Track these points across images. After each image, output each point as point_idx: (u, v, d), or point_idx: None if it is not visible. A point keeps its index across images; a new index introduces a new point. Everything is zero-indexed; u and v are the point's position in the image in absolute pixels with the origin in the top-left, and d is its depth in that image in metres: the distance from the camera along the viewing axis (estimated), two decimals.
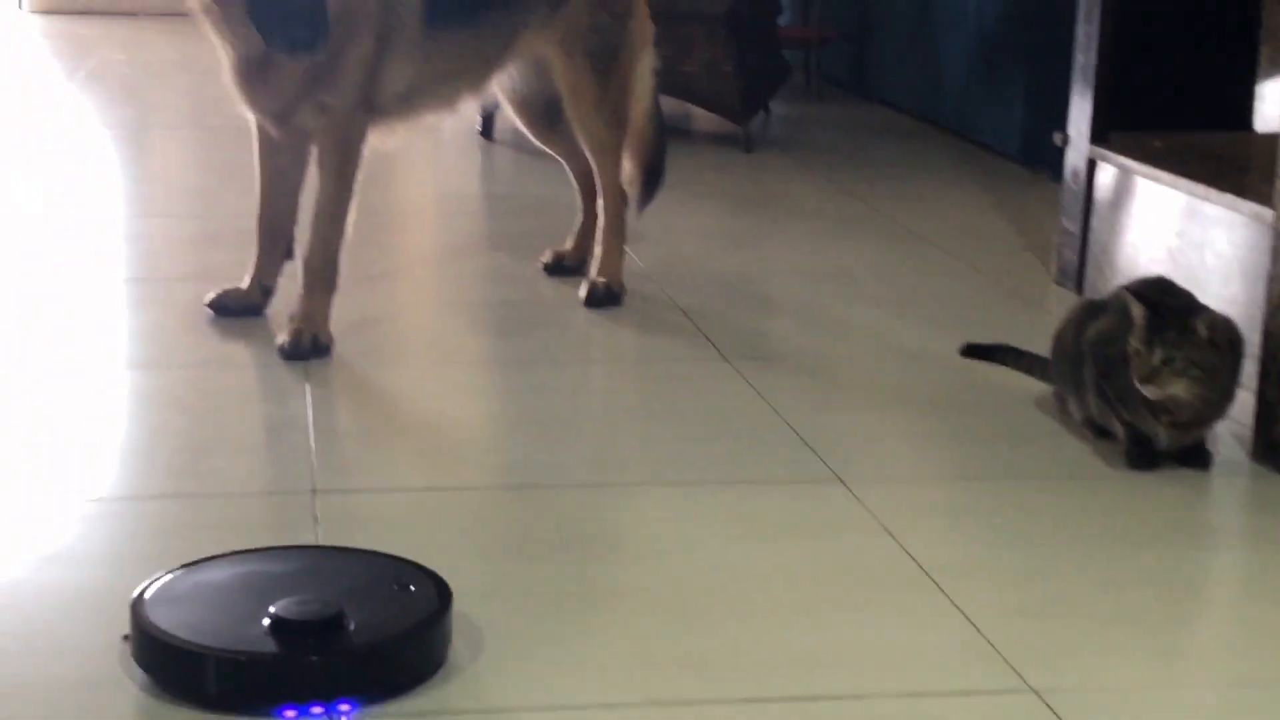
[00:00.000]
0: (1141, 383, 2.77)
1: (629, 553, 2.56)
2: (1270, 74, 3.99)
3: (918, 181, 5.45)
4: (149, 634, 1.99)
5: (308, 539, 2.49)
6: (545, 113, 3.97)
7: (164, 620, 2.01)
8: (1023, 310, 3.94)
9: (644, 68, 3.90)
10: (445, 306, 4.02)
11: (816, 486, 2.79)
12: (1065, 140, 4.08)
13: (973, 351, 3.43)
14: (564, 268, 4.05)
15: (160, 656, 1.98)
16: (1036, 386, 3.25)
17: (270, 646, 1.98)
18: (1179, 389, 2.76)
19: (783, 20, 6.78)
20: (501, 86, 3.90)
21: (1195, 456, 2.88)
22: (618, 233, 3.89)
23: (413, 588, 2.13)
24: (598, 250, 3.89)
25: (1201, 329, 2.75)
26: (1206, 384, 2.77)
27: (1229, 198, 3.38)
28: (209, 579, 2.16)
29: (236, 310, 3.59)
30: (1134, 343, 2.78)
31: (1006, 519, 2.69)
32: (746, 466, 2.88)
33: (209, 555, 2.24)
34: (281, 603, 2.02)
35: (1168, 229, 3.64)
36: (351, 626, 2.01)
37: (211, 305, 3.60)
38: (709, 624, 2.28)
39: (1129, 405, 2.84)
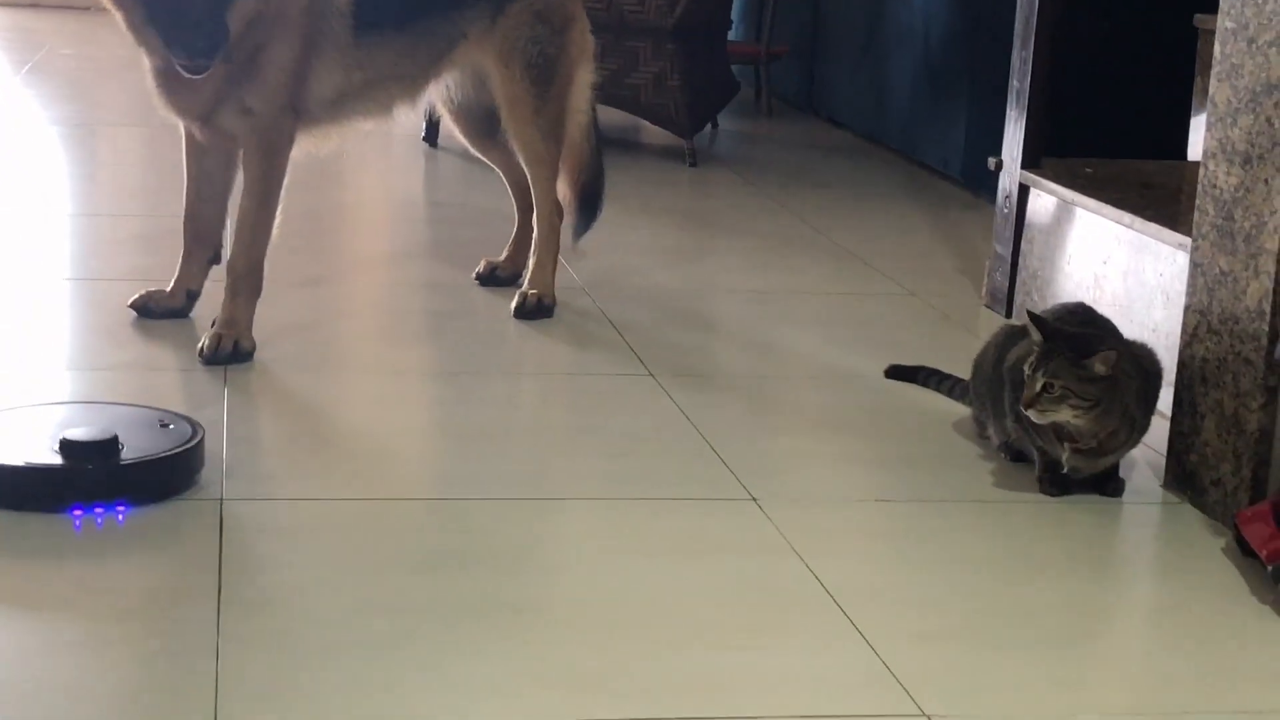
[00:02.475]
0: (1024, 407, 2.78)
1: (536, 568, 2.55)
2: (1204, 104, 4.01)
3: (860, 201, 5.46)
4: None
5: (209, 548, 2.47)
6: (483, 123, 3.96)
7: None
8: (951, 333, 3.95)
9: (582, 81, 3.89)
10: (375, 314, 4.01)
11: (730, 505, 2.78)
12: (999, 164, 4.09)
13: (896, 373, 3.44)
14: (497, 278, 4.04)
15: None
16: (957, 409, 3.26)
17: (58, 462, 2.57)
18: (1063, 416, 2.77)
19: (733, 35, 6.79)
20: (439, 96, 3.89)
21: (1107, 483, 2.89)
22: (551, 246, 3.88)
23: (171, 426, 2.74)
24: (530, 262, 3.88)
25: (1099, 364, 2.75)
26: (1096, 413, 2.77)
27: (1154, 226, 3.40)
28: (13, 420, 2.78)
29: (159, 313, 3.57)
30: (1025, 368, 2.80)
31: (916, 542, 2.69)
32: (662, 484, 2.87)
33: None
34: (68, 431, 2.62)
35: (1095, 255, 3.66)
36: (123, 449, 2.61)
37: (135, 307, 3.58)
38: (610, 641, 2.27)
39: (1040, 430, 2.85)
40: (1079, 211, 3.74)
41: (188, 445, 2.69)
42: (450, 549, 2.57)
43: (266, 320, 3.43)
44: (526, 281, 3.87)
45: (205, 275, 3.61)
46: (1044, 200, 3.91)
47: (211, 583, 2.35)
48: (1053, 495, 2.87)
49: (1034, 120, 3.97)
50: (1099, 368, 2.75)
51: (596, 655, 2.23)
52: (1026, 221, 3.98)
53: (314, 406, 3.25)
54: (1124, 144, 4.15)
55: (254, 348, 3.35)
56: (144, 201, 4.86)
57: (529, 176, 3.86)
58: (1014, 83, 4.02)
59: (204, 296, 3.61)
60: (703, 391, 3.39)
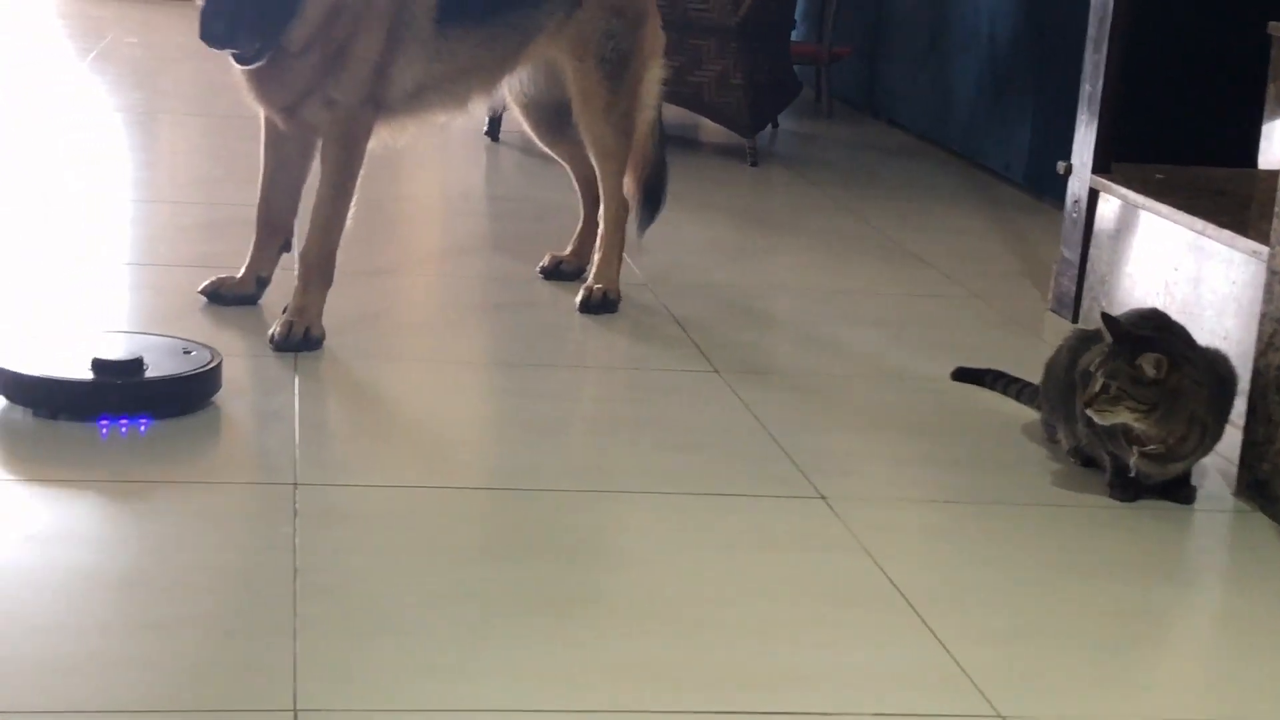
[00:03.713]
0: (1084, 405, 2.78)
1: (604, 560, 2.56)
2: (1277, 112, 3.98)
3: (921, 203, 5.45)
4: (11, 374, 2.90)
5: (285, 531, 2.49)
6: (553, 117, 3.97)
7: (19, 367, 2.92)
8: (1016, 336, 3.94)
9: (653, 77, 3.90)
10: (440, 305, 4.02)
11: (798, 503, 2.78)
12: (1068, 169, 4.08)
13: (963, 375, 3.43)
14: (561, 272, 4.05)
15: (17, 386, 2.90)
16: (1025, 413, 3.25)
17: (90, 377, 2.90)
18: (1122, 417, 2.77)
19: (795, 35, 6.79)
20: (510, 89, 3.90)
21: (1178, 490, 2.88)
22: (617, 240, 3.89)
23: (193, 353, 3.06)
24: (596, 257, 3.89)
25: (1146, 365, 2.75)
26: (1155, 417, 2.76)
27: (1227, 234, 3.38)
28: (54, 344, 3.12)
29: (230, 299, 3.59)
30: (1092, 368, 2.80)
31: (985, 544, 2.69)
32: (729, 480, 2.87)
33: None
34: (99, 352, 2.95)
35: (1165, 262, 3.64)
36: (147, 369, 2.93)
37: (205, 293, 3.60)
38: (681, 635, 2.27)
39: (1110, 434, 2.84)
40: (1149, 217, 3.72)
41: (205, 368, 2.99)
42: (519, 539, 2.59)
43: (335, 309, 3.45)
44: (592, 276, 3.88)
45: (276, 263, 3.63)
46: (1113, 205, 3.90)
47: (288, 565, 2.37)
48: (1123, 501, 2.86)
49: (1105, 125, 3.96)
50: (1147, 370, 2.75)
51: (665, 649, 2.23)
52: (1095, 226, 3.96)
53: (381, 394, 3.27)
54: (1194, 150, 4.13)
55: (323, 335, 3.37)
56: (204, 190, 4.88)
57: (598, 171, 3.87)
58: (1085, 87, 4.00)
59: (273, 284, 3.63)
60: (768, 388, 3.39)
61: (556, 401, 3.28)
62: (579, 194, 4.09)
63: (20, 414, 2.91)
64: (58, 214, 4.41)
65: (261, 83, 3.34)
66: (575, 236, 4.09)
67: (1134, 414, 2.76)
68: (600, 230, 3.90)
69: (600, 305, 3.82)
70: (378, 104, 3.43)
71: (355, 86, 3.36)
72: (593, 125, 3.79)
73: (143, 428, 2.86)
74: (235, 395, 3.14)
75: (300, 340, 3.32)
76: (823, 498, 2.80)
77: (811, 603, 2.42)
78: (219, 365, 3.03)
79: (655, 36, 3.87)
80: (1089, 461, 2.98)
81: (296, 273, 3.44)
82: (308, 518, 2.55)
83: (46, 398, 2.88)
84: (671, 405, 3.27)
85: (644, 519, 2.71)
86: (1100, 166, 3.97)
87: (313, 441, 2.88)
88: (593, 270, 3.89)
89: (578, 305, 3.82)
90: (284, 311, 3.40)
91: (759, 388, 3.37)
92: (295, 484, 2.68)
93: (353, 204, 3.44)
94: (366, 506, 2.65)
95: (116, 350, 2.99)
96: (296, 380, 3.17)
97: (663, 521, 2.70)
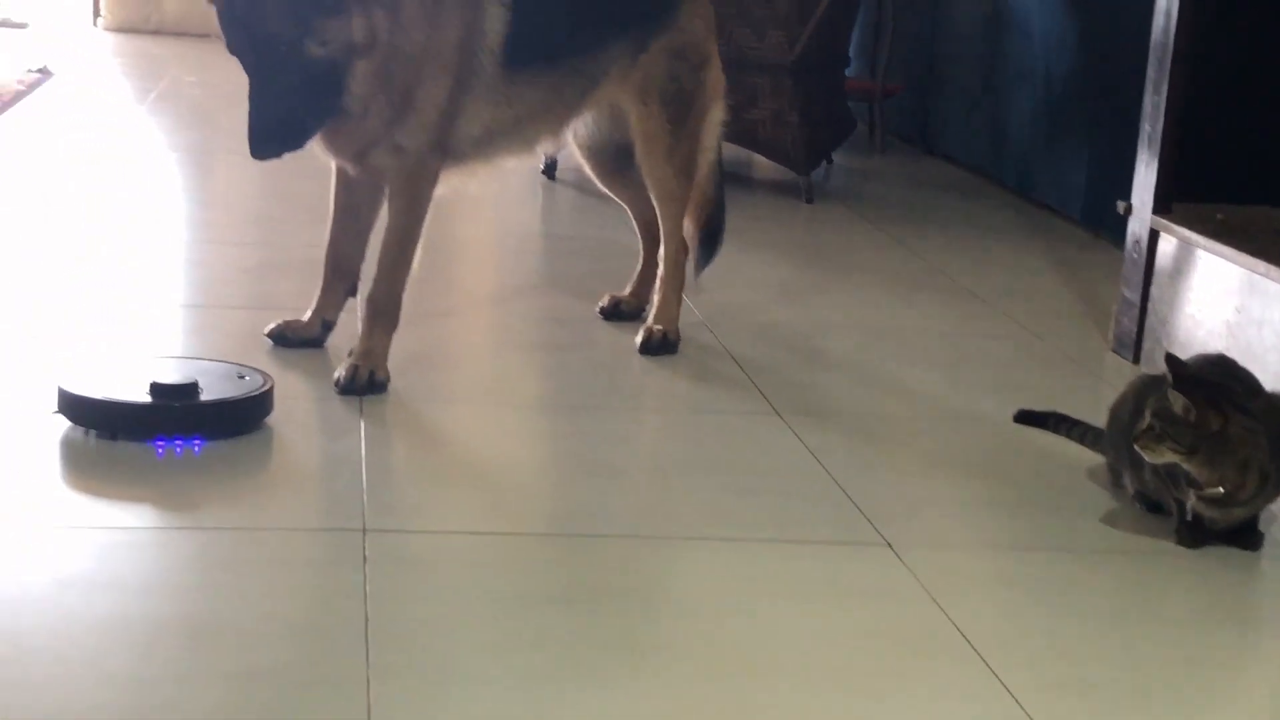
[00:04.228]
0: (1133, 439, 2.83)
1: (673, 607, 2.57)
2: None
3: (977, 240, 5.45)
4: (74, 398, 3.05)
5: (355, 578, 2.51)
6: (614, 159, 3.99)
7: (81, 390, 3.07)
8: (1078, 377, 3.93)
9: (714, 120, 3.93)
10: (501, 347, 4.04)
11: (862, 549, 2.79)
12: (1128, 209, 4.07)
13: (1026, 418, 3.42)
14: (621, 313, 4.07)
15: (80, 409, 3.05)
16: (1089, 456, 3.24)
17: (147, 400, 3.05)
18: (1167, 457, 2.79)
19: (849, 71, 6.80)
20: (572, 131, 3.92)
21: (1245, 536, 2.87)
22: (677, 281, 3.90)
23: (246, 378, 3.20)
24: (656, 298, 3.91)
25: (1175, 404, 2.76)
26: (1199, 460, 2.77)
27: None
28: (114, 368, 3.28)
29: (295, 342, 3.62)
30: (1148, 406, 2.84)
31: (1053, 591, 2.68)
32: (792, 525, 2.88)
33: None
34: (156, 377, 3.09)
35: (1227, 303, 3.62)
36: (201, 393, 3.07)
37: (271, 335, 3.64)
38: (745, 684, 2.28)
39: (1173, 479, 2.83)
40: (1210, 258, 3.71)
41: (256, 392, 3.15)
42: (585, 585, 2.59)
43: (397, 350, 3.47)
44: (652, 317, 3.89)
45: (342, 306, 3.66)
46: (1174, 246, 3.89)
47: (359, 612, 2.39)
48: (1190, 547, 2.85)
49: (1165, 165, 3.95)
50: (1176, 409, 2.75)
51: (732, 698, 2.24)
52: (1156, 267, 3.95)
53: (446, 438, 3.29)
54: (1255, 190, 4.11)
55: (388, 379, 3.39)
56: (263, 231, 4.92)
57: (658, 212, 3.89)
58: (1145, 127, 4.00)
59: (339, 326, 3.66)
60: (828, 431, 3.39)
61: (618, 444, 3.29)
62: (638, 235, 4.11)
63: (82, 434, 3.03)
64: (123, 253, 4.47)
65: (329, 135, 3.37)
66: (635, 277, 4.11)
67: (1176, 455, 2.77)
68: (660, 271, 3.92)
69: (660, 346, 3.83)
70: (445, 150, 3.45)
71: (422, 133, 3.39)
72: (655, 167, 3.81)
73: (196, 448, 3.00)
74: (301, 438, 3.18)
75: (365, 384, 3.35)
76: (888, 544, 2.80)
77: (879, 651, 2.42)
78: (270, 389, 3.17)
79: (717, 79, 3.90)
80: (1154, 507, 2.97)
81: (362, 316, 3.47)
82: (377, 564, 2.57)
83: (106, 419, 3.03)
84: (733, 448, 3.28)
85: (709, 565, 2.72)
86: (1160, 207, 3.96)
87: (380, 486, 2.90)
88: (653, 311, 3.91)
89: (638, 346, 3.83)
90: (349, 355, 3.43)
91: (820, 430, 3.38)
92: (364, 530, 2.70)
93: (419, 249, 3.47)
94: (434, 553, 2.67)
95: (173, 375, 3.14)
96: (362, 424, 3.20)
97: (728, 567, 2.70)
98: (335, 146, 3.41)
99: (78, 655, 2.23)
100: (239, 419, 3.10)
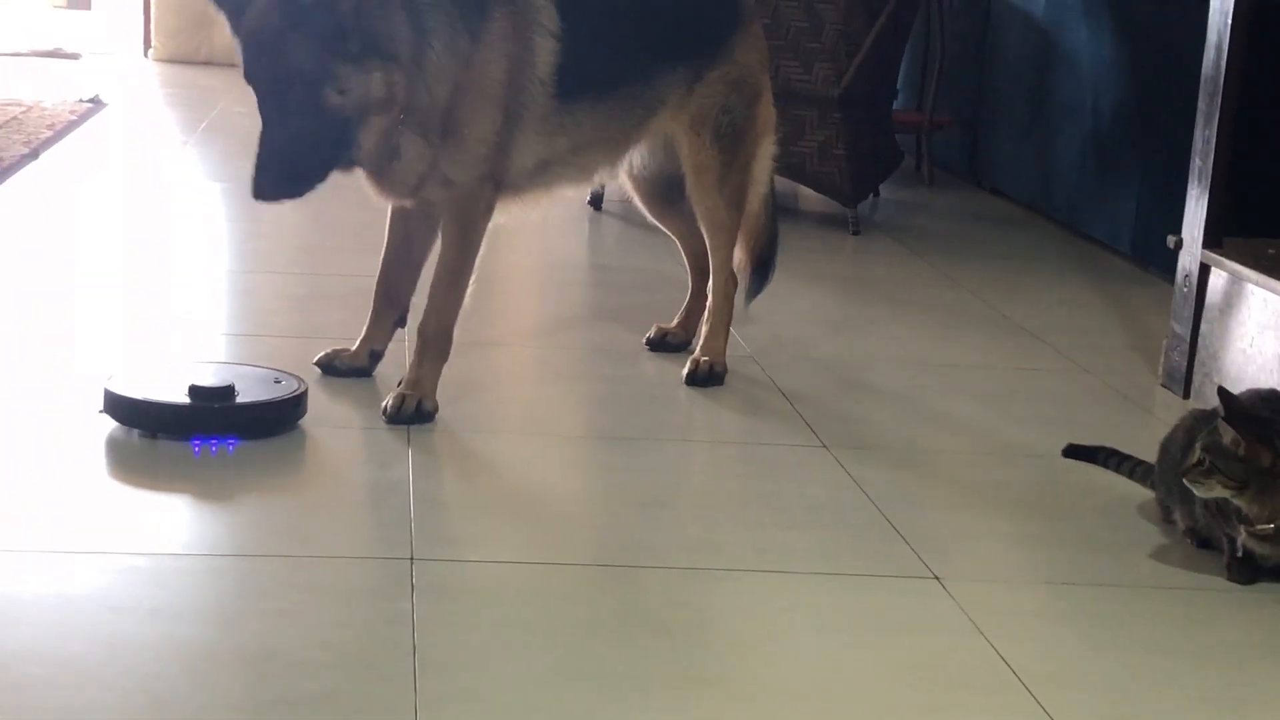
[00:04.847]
0: (1180, 475, 2.83)
1: (720, 640, 2.56)
2: None
3: (1026, 273, 5.43)
4: (118, 397, 3.22)
5: (404, 607, 2.52)
6: (664, 191, 4.00)
7: (125, 390, 3.24)
8: (1127, 412, 3.91)
9: (765, 152, 3.94)
10: (547, 377, 4.05)
11: (911, 582, 2.78)
12: (1179, 243, 4.05)
13: (1075, 452, 3.41)
14: (668, 344, 4.07)
15: (124, 409, 3.22)
16: (1139, 491, 3.22)
17: (187, 401, 3.20)
18: (1216, 492, 2.78)
19: (897, 104, 6.80)
20: (626, 161, 3.93)
21: None
22: (725, 313, 3.91)
23: (282, 383, 3.35)
24: (704, 329, 3.91)
25: (1224, 436, 2.75)
26: (1249, 495, 2.76)
27: None
28: (156, 372, 3.44)
29: (344, 371, 3.64)
30: (1198, 439, 2.83)
31: (1103, 628, 2.67)
32: (840, 558, 2.87)
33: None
34: (195, 380, 3.25)
35: (1278, 338, 3.60)
36: (238, 395, 3.23)
37: (320, 364, 3.66)
38: (792, 717, 2.27)
39: (1224, 514, 2.82)
40: (1261, 293, 3.69)
41: (290, 395, 3.29)
42: (633, 617, 2.59)
43: (445, 379, 3.49)
44: (699, 348, 3.90)
45: (390, 336, 3.68)
46: (1225, 280, 3.87)
47: (407, 641, 2.40)
48: (1241, 583, 2.83)
49: (1216, 200, 3.93)
50: (1226, 440, 2.74)
51: None
52: (1206, 301, 3.93)
53: (493, 468, 3.30)
54: None
55: (436, 409, 3.40)
56: (309, 260, 4.94)
57: (708, 244, 3.89)
58: (1195, 162, 3.98)
59: (387, 356, 3.68)
60: (876, 464, 3.38)
61: (665, 476, 3.29)
62: (687, 267, 4.12)
63: (126, 433, 3.20)
64: (171, 281, 4.50)
65: (381, 178, 3.37)
66: (683, 309, 4.11)
67: (1226, 490, 2.77)
68: (708, 303, 3.92)
69: (707, 378, 3.83)
70: (498, 182, 3.46)
71: (471, 166, 3.40)
72: (705, 199, 3.82)
73: (231, 447, 3.16)
74: (350, 467, 3.19)
75: (413, 414, 3.36)
76: (936, 578, 2.79)
77: (928, 686, 2.41)
78: (304, 392, 3.32)
79: (769, 112, 3.91)
80: (1205, 543, 2.96)
81: (413, 346, 3.48)
82: (424, 593, 2.58)
83: (148, 419, 3.20)
84: (780, 481, 3.27)
85: (757, 598, 2.71)
86: (1211, 241, 3.94)
87: (428, 515, 2.91)
88: (700, 343, 3.91)
89: (684, 378, 3.83)
90: (399, 385, 3.44)
91: (868, 463, 3.37)
92: (412, 558, 2.71)
93: (472, 281, 3.48)
94: (482, 582, 2.68)
95: (211, 379, 3.28)
96: (410, 453, 3.21)
97: (775, 601, 2.70)
98: (388, 189, 3.41)
99: (130, 682, 2.24)
100: (272, 421, 3.26)
